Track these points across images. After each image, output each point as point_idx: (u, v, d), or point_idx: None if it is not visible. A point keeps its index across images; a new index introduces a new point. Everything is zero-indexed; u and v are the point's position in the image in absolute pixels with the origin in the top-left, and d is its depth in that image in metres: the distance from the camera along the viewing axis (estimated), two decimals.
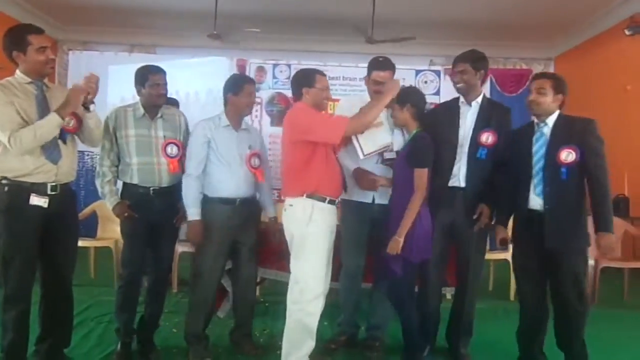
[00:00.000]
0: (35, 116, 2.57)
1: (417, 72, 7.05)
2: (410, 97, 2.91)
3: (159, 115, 3.03)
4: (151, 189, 2.97)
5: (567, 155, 2.69)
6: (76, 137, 2.84)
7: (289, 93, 6.45)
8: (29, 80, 2.63)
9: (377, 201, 3.12)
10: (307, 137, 2.73)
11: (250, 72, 6.82)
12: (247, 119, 3.26)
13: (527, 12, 6.98)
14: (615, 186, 5.95)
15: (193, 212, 2.95)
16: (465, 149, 2.96)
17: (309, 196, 2.76)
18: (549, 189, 2.73)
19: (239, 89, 3.07)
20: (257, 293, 4.13)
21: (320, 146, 2.77)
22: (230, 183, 3.01)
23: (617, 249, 4.76)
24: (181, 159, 3.04)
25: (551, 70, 7.97)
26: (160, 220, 3.01)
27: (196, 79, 6.81)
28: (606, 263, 4.50)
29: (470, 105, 3.03)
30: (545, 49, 8.38)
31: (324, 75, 2.94)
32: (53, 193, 2.62)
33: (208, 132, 3.01)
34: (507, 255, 3.93)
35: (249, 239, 3.15)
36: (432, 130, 2.91)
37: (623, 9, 6.54)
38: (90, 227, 4.97)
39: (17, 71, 2.65)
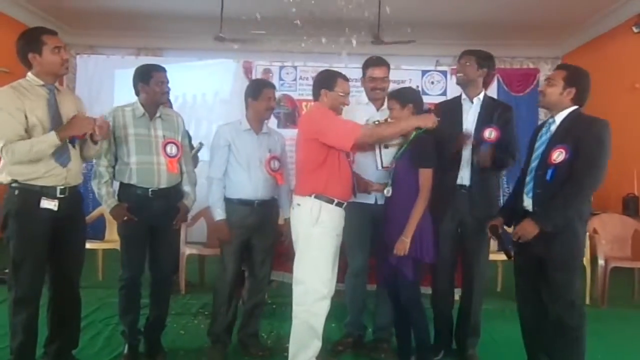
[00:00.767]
0: (46, 119, 2.57)
1: (424, 72, 7.03)
2: (411, 97, 2.92)
3: (157, 114, 3.01)
4: (150, 190, 2.92)
5: (558, 155, 2.48)
6: None
7: (295, 95, 6.50)
8: (41, 82, 2.62)
9: (379, 202, 3.12)
10: (320, 138, 2.72)
11: (257, 74, 6.83)
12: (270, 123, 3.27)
13: (534, 11, 6.94)
14: (624, 185, 6.00)
15: (218, 213, 3.04)
16: (469, 145, 2.96)
17: (317, 196, 2.75)
18: (539, 191, 2.56)
19: (258, 94, 3.10)
20: (265, 295, 4.13)
21: (334, 148, 2.76)
22: (249, 185, 3.05)
23: (627, 249, 4.73)
24: (179, 159, 3.04)
25: None
26: (159, 222, 2.98)
27: (203, 81, 6.82)
28: (616, 263, 4.46)
29: (472, 102, 3.05)
30: (552, 47, 8.33)
31: (347, 80, 2.88)
32: (62, 196, 2.63)
33: (228, 136, 3.07)
34: None
35: (264, 241, 3.16)
36: (434, 129, 2.87)
37: (631, 7, 6.50)
38: (98, 229, 5.00)
39: (29, 74, 2.64)
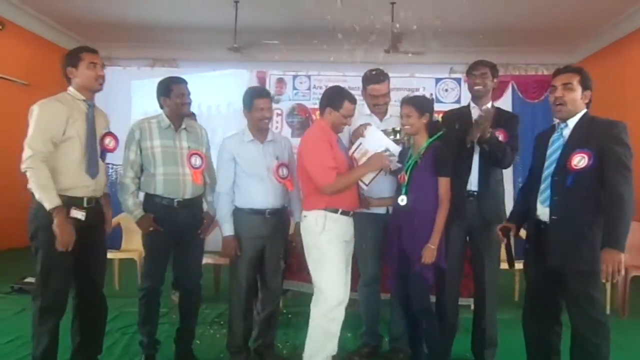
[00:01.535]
0: (83, 133, 2.68)
1: (437, 80, 7.02)
2: (428, 107, 2.92)
3: (182, 126, 3.07)
4: (175, 200, 2.97)
5: (580, 161, 2.37)
6: None
7: (309, 104, 6.52)
8: (82, 98, 2.75)
9: (390, 212, 3.11)
10: (306, 169, 2.86)
11: (270, 83, 6.87)
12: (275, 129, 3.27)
13: (548, 17, 6.91)
14: None
15: (226, 228, 3.03)
16: (478, 152, 2.96)
17: (323, 208, 2.84)
18: (557, 198, 2.44)
19: (250, 105, 3.08)
20: (281, 304, 4.12)
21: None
22: (259, 195, 3.04)
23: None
24: (203, 171, 3.07)
25: None
26: (184, 233, 3.02)
27: (217, 91, 6.89)
28: (637, 272, 4.38)
29: (481, 110, 3.03)
30: (567, 54, 8.28)
31: (354, 102, 2.91)
32: (89, 206, 2.72)
33: (232, 149, 3.06)
34: None
35: (276, 250, 3.15)
36: (446, 137, 2.91)
37: None
38: (115, 239, 5.03)
39: (70, 88, 2.77)
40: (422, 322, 2.90)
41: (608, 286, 4.29)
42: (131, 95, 6.72)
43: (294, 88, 6.94)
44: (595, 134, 2.40)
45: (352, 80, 6.51)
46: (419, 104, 2.89)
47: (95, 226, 2.78)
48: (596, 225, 2.39)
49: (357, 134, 3.04)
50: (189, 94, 3.07)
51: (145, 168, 3.01)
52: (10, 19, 6.96)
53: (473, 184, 2.99)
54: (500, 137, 2.92)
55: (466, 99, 6.44)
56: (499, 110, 3.13)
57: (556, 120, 2.59)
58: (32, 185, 2.56)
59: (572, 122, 2.50)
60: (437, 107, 6.82)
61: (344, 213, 2.88)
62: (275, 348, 3.35)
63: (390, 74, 3.31)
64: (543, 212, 2.52)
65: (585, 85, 2.49)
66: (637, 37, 6.74)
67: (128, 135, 3.01)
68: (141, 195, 3.05)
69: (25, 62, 7.42)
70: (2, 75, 6.82)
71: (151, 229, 2.93)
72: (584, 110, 2.50)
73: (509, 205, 3.05)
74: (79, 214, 2.65)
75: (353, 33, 7.57)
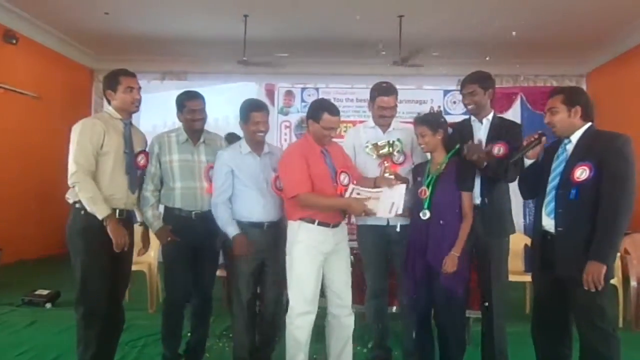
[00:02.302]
0: (122, 150, 2.84)
1: (446, 92, 7.01)
2: (440, 123, 2.98)
3: (201, 140, 3.12)
4: (193, 212, 3.03)
5: (581, 173, 2.41)
6: None
7: None
8: (119, 117, 2.90)
9: (391, 223, 3.13)
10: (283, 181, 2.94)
11: (279, 96, 6.90)
12: (272, 140, 3.28)
13: (557, 29, 6.91)
14: None
15: (231, 230, 3.01)
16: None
17: (300, 218, 2.88)
18: (561, 211, 2.47)
19: (246, 118, 3.06)
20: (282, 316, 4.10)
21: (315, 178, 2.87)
22: (258, 207, 3.05)
23: None
24: None
25: (583, 87, 7.84)
26: (201, 244, 3.07)
27: (226, 104, 6.91)
28: None
29: (481, 122, 3.06)
30: (576, 65, 8.26)
31: (335, 115, 2.89)
32: (120, 217, 2.83)
33: (230, 162, 3.05)
34: None
35: (276, 263, 3.14)
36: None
37: None
38: None
39: (109, 107, 2.92)
40: (448, 336, 2.93)
41: (620, 298, 4.24)
42: (141, 108, 6.77)
43: (302, 100, 6.95)
44: (597, 146, 2.44)
45: (360, 93, 6.53)
46: (431, 122, 2.95)
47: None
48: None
49: (386, 182, 2.98)
50: (203, 109, 3.11)
51: (164, 182, 3.08)
52: (23, 32, 7.06)
53: (476, 197, 2.98)
54: (502, 151, 2.88)
55: None
56: (500, 120, 3.13)
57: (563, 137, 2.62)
58: (81, 198, 2.71)
59: (575, 137, 2.53)
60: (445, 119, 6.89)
61: (321, 224, 2.87)
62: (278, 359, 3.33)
63: (398, 86, 3.35)
64: (549, 223, 2.55)
65: (572, 102, 2.51)
66: None
67: (148, 149, 3.06)
68: (161, 207, 3.11)
69: (37, 75, 7.52)
70: (14, 88, 6.91)
71: (169, 239, 2.98)
72: (588, 124, 2.53)
73: (518, 217, 3.03)
74: (115, 218, 2.78)
75: (361, 45, 7.62)
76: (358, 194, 2.91)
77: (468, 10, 6.40)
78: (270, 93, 6.96)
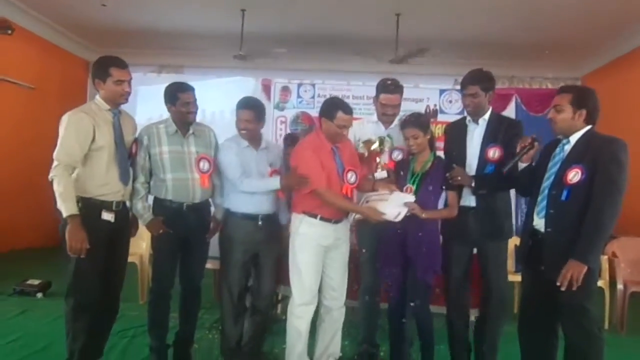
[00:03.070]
0: (112, 141, 2.80)
1: (442, 91, 7.05)
2: (428, 123, 3.07)
3: (190, 131, 3.10)
4: (184, 204, 3.03)
5: (574, 176, 2.42)
6: None
7: (313, 112, 6.56)
8: (108, 107, 2.84)
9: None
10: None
11: (275, 91, 6.92)
12: (269, 136, 3.32)
13: (553, 32, 6.94)
14: None
15: (275, 181, 3.02)
16: (474, 167, 2.97)
17: (303, 212, 2.96)
18: (553, 212, 2.49)
19: (236, 114, 3.14)
20: (279, 310, 4.14)
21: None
22: (253, 200, 3.07)
23: None
24: (211, 175, 3.11)
25: None
26: (192, 236, 3.08)
27: (222, 98, 6.93)
28: (636, 288, 4.37)
29: (477, 123, 3.03)
30: (572, 68, 8.30)
31: (349, 114, 2.95)
32: (117, 209, 2.83)
33: (236, 150, 3.11)
34: None
35: (270, 255, 3.18)
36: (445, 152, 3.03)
37: None
38: None
39: (97, 97, 2.87)
40: (421, 322, 3.00)
41: (607, 301, 4.29)
42: (137, 101, 6.77)
43: (299, 96, 6.98)
44: (593, 150, 2.44)
45: (356, 89, 6.56)
46: (423, 124, 3.01)
47: (122, 228, 2.89)
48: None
49: (386, 188, 3.01)
50: (195, 101, 3.09)
51: (154, 173, 3.05)
52: (19, 23, 7.03)
53: (471, 200, 2.98)
54: (497, 154, 2.89)
55: None
56: (499, 118, 3.09)
57: (561, 136, 2.62)
58: (55, 192, 2.67)
59: (574, 138, 2.54)
60: (440, 118, 6.92)
61: (323, 219, 2.94)
62: (273, 354, 3.37)
63: None
64: (539, 223, 2.57)
65: (579, 105, 2.50)
66: (638, 54, 6.76)
67: (137, 141, 3.05)
68: (150, 198, 3.10)
69: (33, 66, 7.48)
70: (9, 79, 6.87)
71: (160, 231, 2.98)
72: (587, 127, 2.52)
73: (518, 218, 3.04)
74: (109, 217, 2.80)
75: (358, 42, 7.63)
76: (367, 201, 2.98)
77: (465, 11, 6.41)
78: (266, 88, 6.98)
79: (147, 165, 3.04)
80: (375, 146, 3.11)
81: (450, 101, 7.02)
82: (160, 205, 3.04)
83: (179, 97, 3.04)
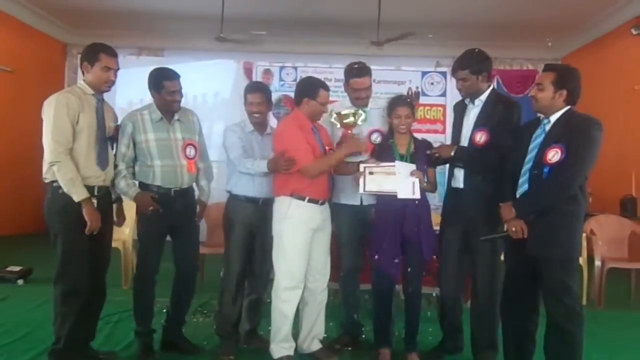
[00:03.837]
0: (94, 125, 2.77)
1: (424, 73, 7.07)
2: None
3: (176, 117, 3.08)
4: (172, 189, 3.02)
5: (554, 155, 2.45)
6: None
7: None
8: (92, 92, 2.80)
9: (364, 203, 3.19)
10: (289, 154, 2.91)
11: (257, 74, 6.87)
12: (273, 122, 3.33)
13: (534, 12, 6.97)
14: (622, 186, 6.03)
15: (263, 164, 3.01)
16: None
17: (290, 195, 2.94)
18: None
19: (245, 99, 3.20)
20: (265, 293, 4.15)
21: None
22: (256, 184, 3.11)
23: (624, 250, 4.75)
24: (197, 160, 3.12)
25: None
26: (180, 221, 3.08)
27: (203, 81, 6.86)
28: (613, 264, 4.49)
29: (474, 104, 3.01)
30: (552, 49, 8.35)
31: (328, 90, 3.02)
32: (99, 194, 2.80)
33: (241, 135, 3.14)
34: None
35: (266, 238, 3.18)
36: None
37: (630, 9, 6.54)
38: None
39: (81, 81, 2.83)
40: (416, 301, 3.07)
41: (585, 277, 4.39)
42: (116, 84, 6.66)
43: (281, 79, 6.95)
44: (570, 128, 2.48)
45: (338, 72, 6.51)
46: (412, 105, 3.08)
47: (104, 213, 2.85)
48: (573, 216, 2.50)
49: (351, 142, 3.02)
50: (180, 89, 3.06)
51: (140, 160, 3.02)
52: None
53: (460, 181, 3.00)
54: (482, 138, 2.86)
55: (452, 92, 6.52)
56: (498, 98, 3.00)
57: (542, 115, 2.63)
58: (59, 178, 2.65)
59: (554, 117, 2.56)
60: (423, 100, 6.95)
61: (311, 201, 2.95)
62: (260, 334, 3.39)
63: (376, 67, 3.37)
64: None
65: (560, 85, 2.52)
66: (618, 34, 6.84)
67: (121, 128, 3.00)
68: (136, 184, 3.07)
69: (10, 49, 7.32)
70: None
71: (150, 208, 2.93)
72: (567, 107, 2.54)
73: None
74: (92, 201, 2.75)
75: (340, 25, 7.58)
76: (371, 173, 2.94)
77: None
78: (248, 71, 6.93)
79: (130, 154, 2.99)
80: (348, 120, 3.07)
81: (432, 83, 7.04)
82: (147, 191, 2.99)
83: (164, 86, 2.99)
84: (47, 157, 2.67)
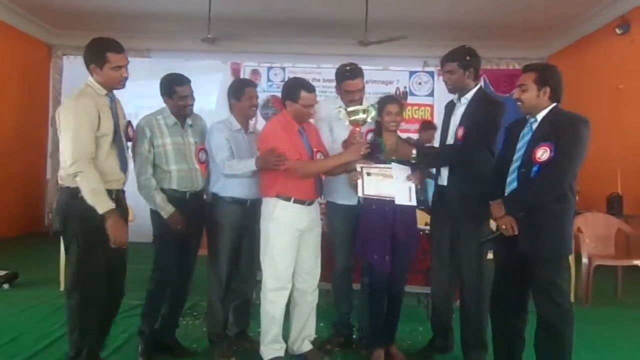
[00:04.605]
0: (111, 127, 2.62)
1: (411, 73, 7.11)
2: None
3: (189, 122, 3.12)
4: (188, 192, 3.06)
5: (543, 153, 2.46)
6: None
7: None
8: (105, 92, 2.66)
9: (362, 203, 3.14)
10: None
11: (245, 75, 6.84)
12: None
13: (520, 12, 7.03)
14: (608, 185, 6.09)
15: (251, 162, 2.95)
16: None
17: (277, 196, 2.92)
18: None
19: (240, 93, 3.17)
20: (254, 295, 4.13)
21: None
22: (244, 184, 3.07)
23: (610, 247, 4.80)
24: (207, 164, 3.15)
25: None
26: (191, 223, 3.05)
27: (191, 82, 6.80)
28: (600, 261, 4.53)
29: (460, 102, 3.04)
30: (537, 48, 8.44)
31: (312, 92, 2.97)
32: (117, 198, 2.69)
33: (227, 134, 3.09)
34: None
35: (253, 240, 3.16)
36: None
37: (614, 9, 6.61)
38: None
39: (92, 80, 2.65)
40: (400, 299, 3.10)
41: (573, 275, 4.42)
42: None
43: (269, 80, 6.94)
44: (557, 126, 2.49)
45: (326, 72, 6.55)
46: (402, 104, 3.10)
47: (122, 217, 2.72)
48: (563, 213, 2.52)
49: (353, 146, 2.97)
50: (192, 93, 3.10)
51: (157, 165, 3.03)
52: None
53: (444, 178, 3.02)
54: (460, 133, 2.91)
55: (440, 92, 6.56)
56: (484, 96, 3.02)
57: (528, 115, 2.64)
58: (82, 189, 2.49)
59: (540, 116, 2.57)
60: (410, 99, 6.98)
61: (297, 202, 2.93)
62: (249, 336, 3.39)
63: (364, 67, 3.35)
64: None
65: (543, 82, 2.54)
66: (603, 34, 6.90)
67: (141, 132, 2.99)
68: None
69: None
70: None
71: (179, 227, 2.95)
72: (553, 105, 2.56)
73: None
74: (117, 213, 2.61)
75: (327, 25, 7.58)
76: (368, 173, 2.93)
77: None
78: (236, 72, 6.92)
79: (151, 158, 3.01)
80: (358, 117, 2.95)
81: (420, 83, 7.08)
82: (165, 195, 3.00)
83: (176, 91, 3.03)
84: (68, 167, 2.50)
